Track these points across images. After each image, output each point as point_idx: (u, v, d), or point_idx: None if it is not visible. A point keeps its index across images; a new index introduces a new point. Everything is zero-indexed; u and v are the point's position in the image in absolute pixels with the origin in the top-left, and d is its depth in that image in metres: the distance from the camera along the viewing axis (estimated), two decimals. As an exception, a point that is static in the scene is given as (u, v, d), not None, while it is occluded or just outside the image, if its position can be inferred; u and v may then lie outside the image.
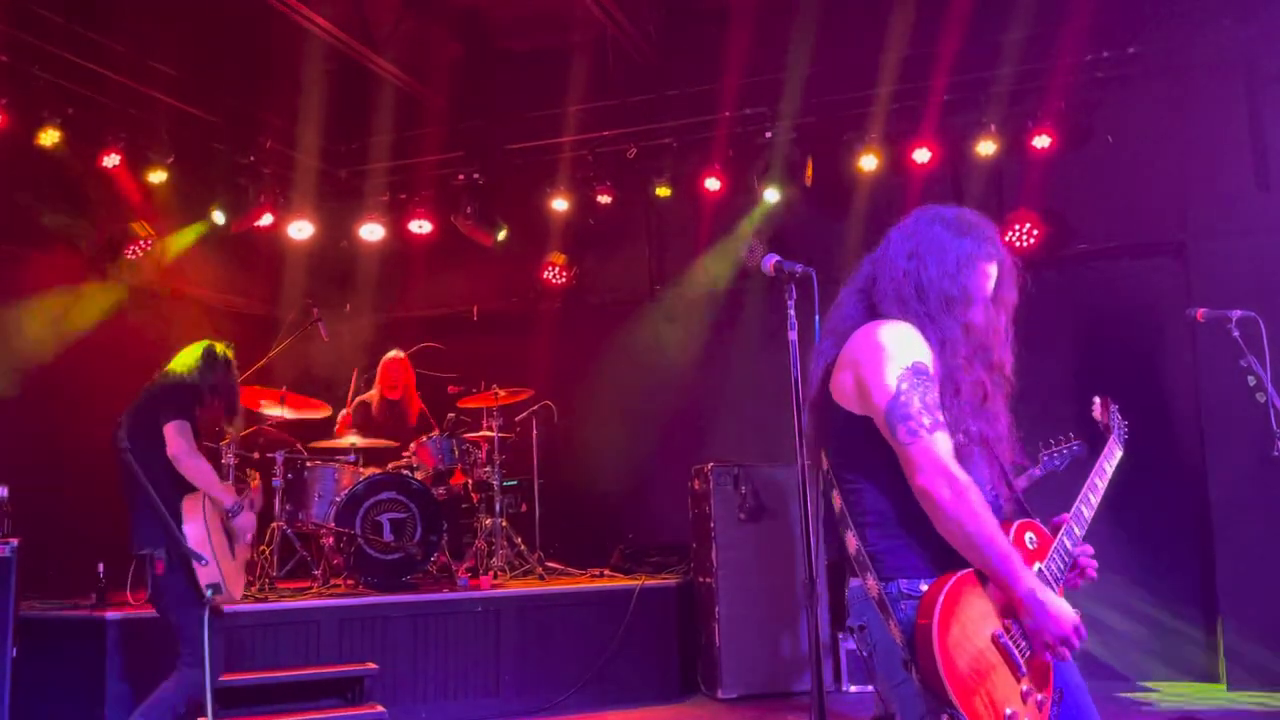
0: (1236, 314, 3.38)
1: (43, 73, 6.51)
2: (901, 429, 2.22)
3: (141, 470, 4.18)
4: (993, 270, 2.45)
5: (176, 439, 4.21)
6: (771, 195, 7.71)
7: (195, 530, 4.16)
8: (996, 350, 2.43)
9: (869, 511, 2.34)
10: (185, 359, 4.58)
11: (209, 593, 4.12)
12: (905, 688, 2.24)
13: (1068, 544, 2.42)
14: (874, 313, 2.42)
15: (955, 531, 2.19)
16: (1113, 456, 2.74)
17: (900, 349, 2.29)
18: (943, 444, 2.22)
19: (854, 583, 2.38)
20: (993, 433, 2.38)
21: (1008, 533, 2.29)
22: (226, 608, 4.58)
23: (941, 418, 2.25)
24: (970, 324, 2.39)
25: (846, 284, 2.55)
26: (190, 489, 4.27)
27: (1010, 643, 2.21)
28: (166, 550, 4.18)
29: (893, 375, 2.26)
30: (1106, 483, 2.65)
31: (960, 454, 2.29)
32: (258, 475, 5.18)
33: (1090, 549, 2.48)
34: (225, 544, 4.32)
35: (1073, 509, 2.51)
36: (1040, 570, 2.33)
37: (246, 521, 4.44)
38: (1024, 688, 2.21)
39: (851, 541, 2.34)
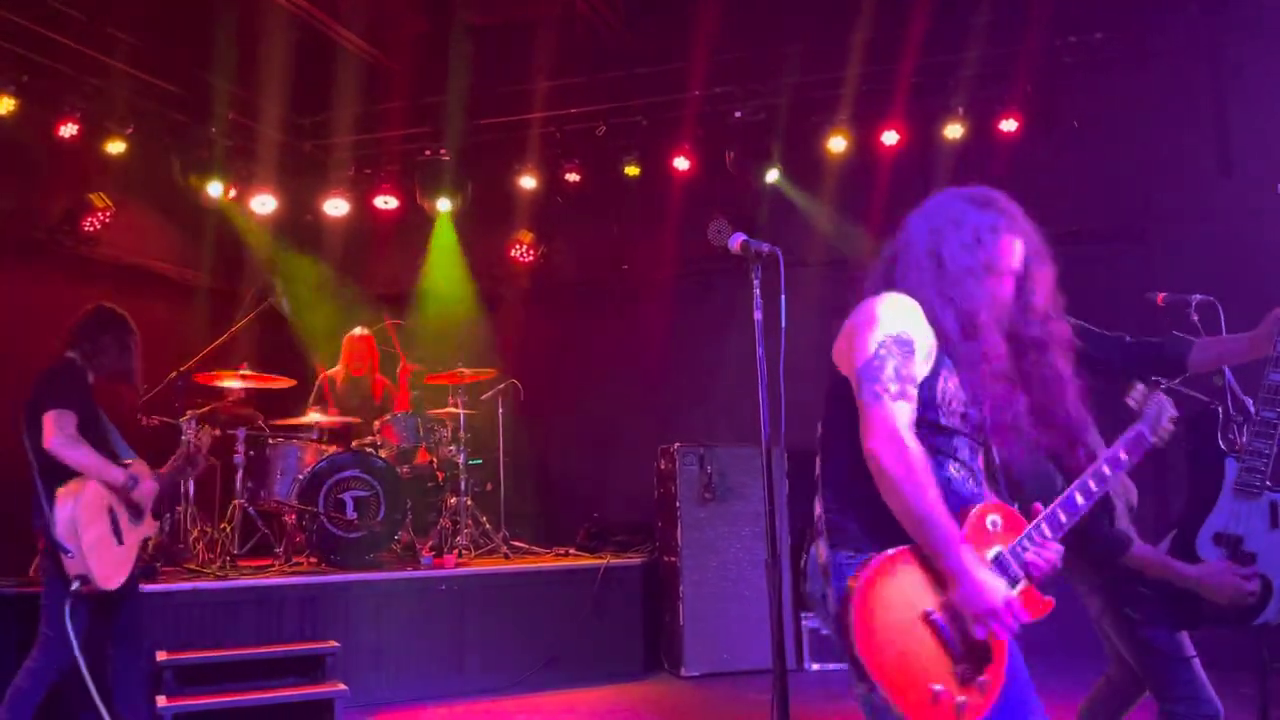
0: (1196, 298, 3.41)
1: (-4, 39, 6.36)
2: (867, 390, 2.23)
3: (33, 455, 4.16)
4: (1017, 245, 2.43)
5: (52, 430, 4.10)
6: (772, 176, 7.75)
7: (63, 518, 4.07)
8: (1026, 328, 2.42)
9: (831, 477, 2.37)
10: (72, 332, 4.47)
11: (75, 584, 4.04)
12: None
13: (1046, 531, 2.37)
14: (890, 287, 2.41)
15: (894, 498, 2.18)
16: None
17: (891, 317, 2.30)
18: (902, 412, 2.22)
19: (810, 550, 2.38)
20: (1001, 417, 2.35)
21: (968, 514, 2.29)
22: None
23: (911, 390, 2.26)
24: (993, 296, 2.39)
25: (871, 268, 2.51)
26: (72, 474, 4.17)
27: (942, 620, 2.19)
28: (46, 532, 4.13)
29: (875, 340, 2.27)
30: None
31: (944, 437, 2.30)
32: (207, 430, 5.28)
33: (1060, 550, 2.38)
34: (108, 532, 4.22)
35: (1062, 499, 2.41)
36: (999, 553, 2.31)
37: (147, 490, 4.35)
38: (959, 668, 2.19)
39: (816, 506, 2.36)
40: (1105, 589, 3.05)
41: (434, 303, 8.77)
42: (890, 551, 2.19)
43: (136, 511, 4.43)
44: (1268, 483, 2.97)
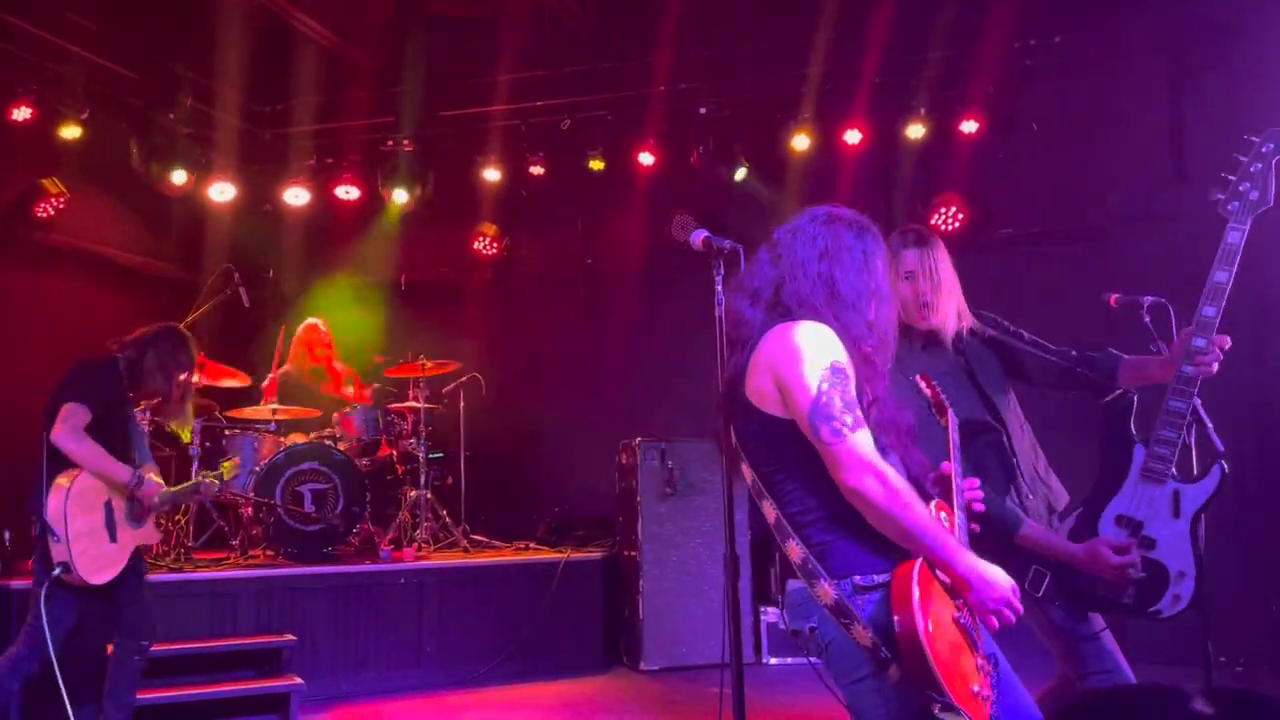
0: (1148, 300, 3.46)
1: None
2: (825, 429, 2.24)
3: (46, 438, 4.14)
4: (884, 266, 2.51)
5: (60, 423, 4.09)
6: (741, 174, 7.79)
7: (55, 503, 4.06)
8: (892, 342, 2.51)
9: (807, 510, 2.33)
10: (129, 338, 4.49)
11: (57, 569, 4.02)
12: (864, 684, 2.25)
13: (960, 508, 2.50)
14: (784, 315, 2.42)
15: (890, 525, 2.22)
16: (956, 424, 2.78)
17: (818, 349, 2.31)
18: (865, 440, 2.25)
19: (795, 585, 2.36)
20: (899, 423, 2.44)
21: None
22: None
23: (860, 415, 2.28)
24: (873, 319, 2.45)
25: (734, 294, 2.52)
26: (73, 463, 4.16)
27: (968, 621, 2.27)
28: (39, 516, 4.12)
29: (813, 375, 2.27)
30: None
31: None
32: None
33: (976, 481, 2.59)
34: (101, 525, 4.20)
35: (953, 470, 2.57)
36: None
37: (150, 490, 4.34)
38: (978, 661, 2.26)
39: (795, 550, 2.31)
40: (1007, 569, 3.11)
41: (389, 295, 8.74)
42: (914, 567, 2.20)
43: (136, 514, 4.38)
44: (1172, 471, 3.03)
